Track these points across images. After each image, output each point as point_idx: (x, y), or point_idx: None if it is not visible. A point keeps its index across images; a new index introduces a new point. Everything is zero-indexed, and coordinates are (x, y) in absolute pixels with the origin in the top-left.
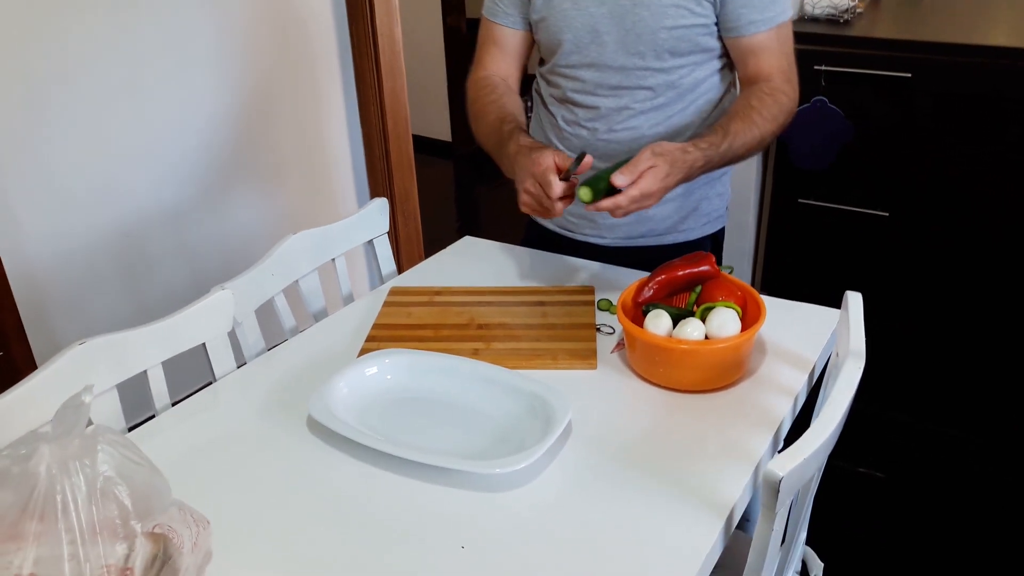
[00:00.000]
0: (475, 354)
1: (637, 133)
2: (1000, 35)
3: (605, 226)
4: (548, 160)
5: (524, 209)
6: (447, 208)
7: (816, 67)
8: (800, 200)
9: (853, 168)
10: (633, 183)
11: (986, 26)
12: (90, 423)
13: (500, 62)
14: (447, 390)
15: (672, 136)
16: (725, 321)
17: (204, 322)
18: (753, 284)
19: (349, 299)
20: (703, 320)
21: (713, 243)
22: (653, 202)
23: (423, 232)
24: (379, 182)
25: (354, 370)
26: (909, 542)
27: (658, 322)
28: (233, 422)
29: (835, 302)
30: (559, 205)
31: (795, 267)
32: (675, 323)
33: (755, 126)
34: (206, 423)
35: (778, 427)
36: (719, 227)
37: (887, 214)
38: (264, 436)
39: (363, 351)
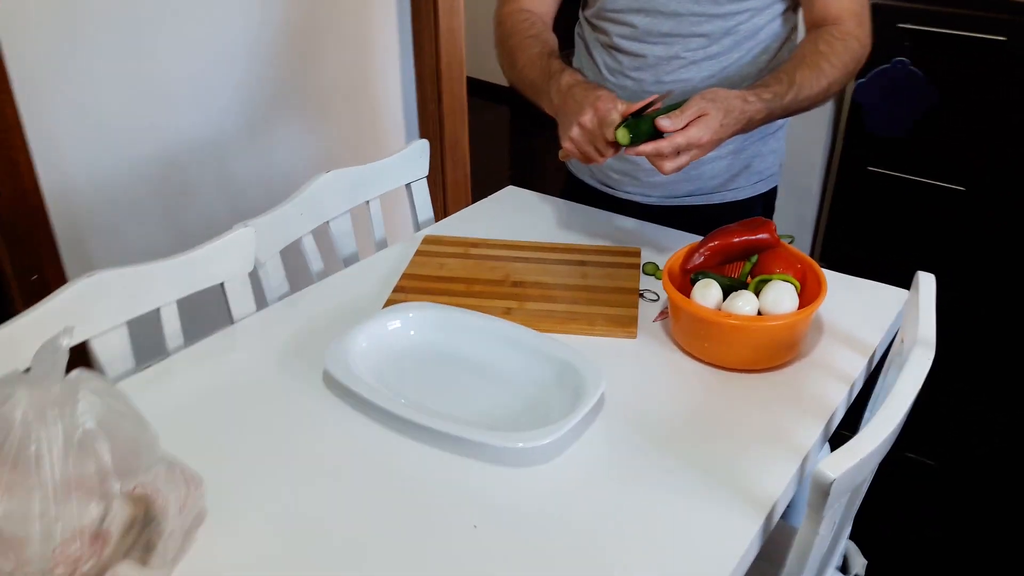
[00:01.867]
0: (507, 313)
1: (688, 85)
2: None
3: (649, 183)
4: (612, 96)
5: (567, 148)
6: (499, 156)
7: (900, 25)
8: (870, 168)
9: (932, 137)
10: (680, 130)
11: None
12: (88, 368)
13: None
14: (473, 350)
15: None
16: (781, 296)
17: (223, 260)
18: (812, 255)
19: (383, 245)
20: (757, 293)
21: (764, 202)
22: (702, 153)
23: (472, 180)
24: (429, 125)
25: (376, 323)
26: (957, 534)
27: (707, 292)
28: (246, 370)
29: (900, 281)
30: (611, 150)
31: (860, 240)
32: (726, 295)
33: (823, 75)
34: (217, 368)
35: (830, 416)
36: (772, 186)
37: (964, 189)
38: (277, 387)
39: (389, 302)
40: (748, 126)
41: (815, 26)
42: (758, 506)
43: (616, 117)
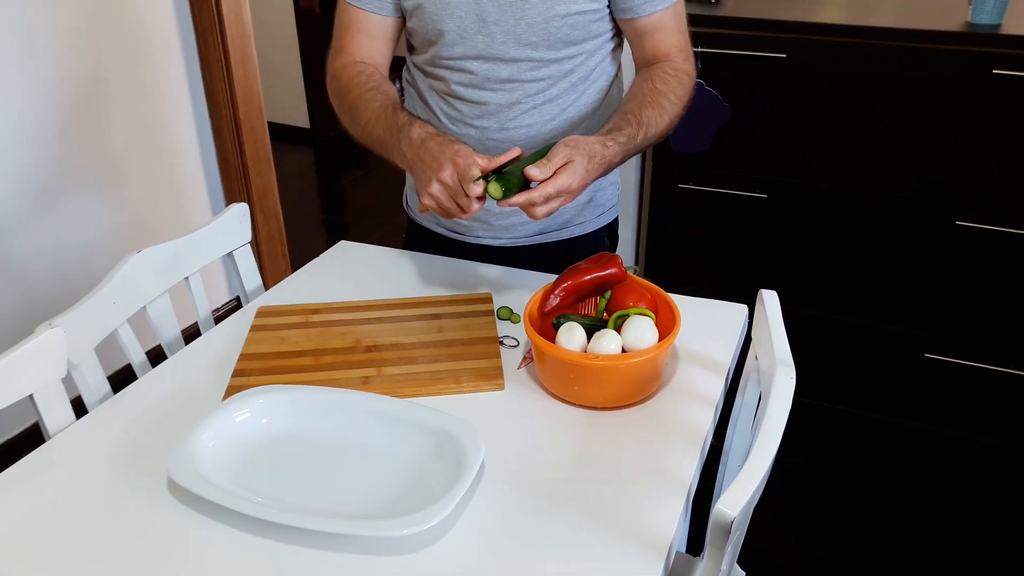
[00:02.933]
0: (366, 383)
1: (532, 131)
2: (873, 16)
3: (500, 227)
4: (469, 150)
5: (426, 204)
6: (309, 202)
7: (694, 49)
8: (680, 185)
9: (731, 151)
10: (549, 179)
11: (858, 5)
12: None
13: (367, 49)
14: (336, 431)
15: (568, 131)
16: (642, 331)
17: (30, 369)
18: (636, 263)
19: (209, 324)
20: (618, 330)
21: (609, 233)
22: (571, 199)
23: (287, 230)
24: (234, 178)
25: (221, 416)
26: (835, 535)
27: (571, 336)
28: (75, 488)
29: (727, 290)
30: (476, 205)
31: (679, 253)
32: (589, 335)
33: (665, 112)
34: (40, 491)
35: (703, 441)
36: (613, 217)
37: (765, 196)
38: (115, 504)
39: (230, 390)
40: (607, 169)
41: (646, 64)
42: (657, 546)
43: (476, 172)
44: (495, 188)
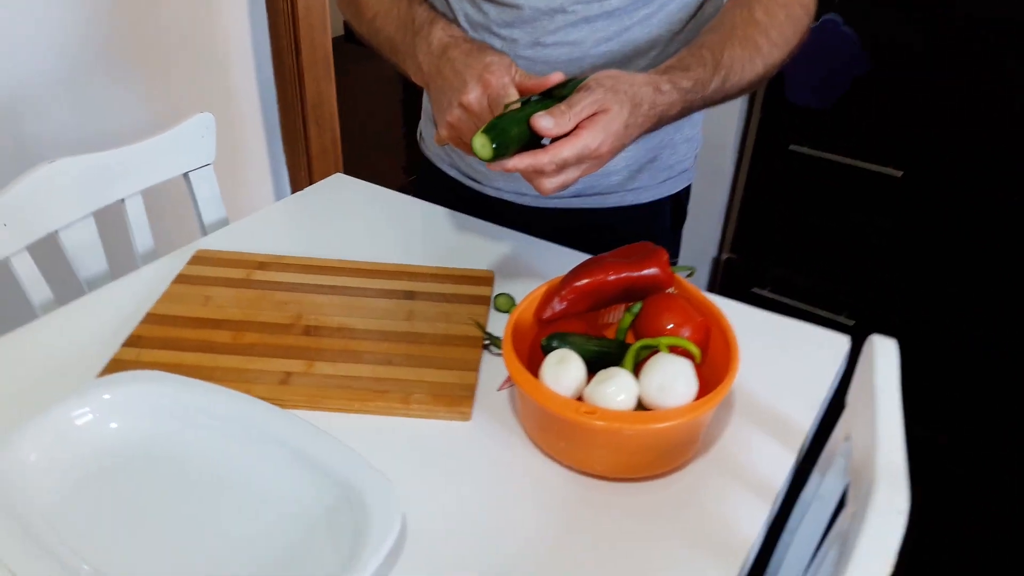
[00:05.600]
0: (285, 382)
1: (576, 51)
2: None
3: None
4: (506, 63)
5: (443, 136)
6: (388, 112)
7: None
8: (792, 147)
9: (864, 111)
10: (569, 136)
11: None
12: None
13: None
14: (209, 454)
15: (628, 59)
16: (672, 379)
17: None
18: (722, 248)
19: (152, 258)
20: (637, 370)
21: (674, 207)
22: (596, 167)
23: (351, 146)
24: (287, 81)
25: (53, 416)
26: None
27: (562, 370)
28: None
29: (822, 296)
30: None
31: (777, 231)
32: (595, 366)
33: (760, 55)
34: None
35: (748, 551)
36: (683, 185)
37: (900, 174)
38: None
39: (112, 366)
40: (657, 125)
41: None
42: None
43: (514, 93)
44: (483, 142)
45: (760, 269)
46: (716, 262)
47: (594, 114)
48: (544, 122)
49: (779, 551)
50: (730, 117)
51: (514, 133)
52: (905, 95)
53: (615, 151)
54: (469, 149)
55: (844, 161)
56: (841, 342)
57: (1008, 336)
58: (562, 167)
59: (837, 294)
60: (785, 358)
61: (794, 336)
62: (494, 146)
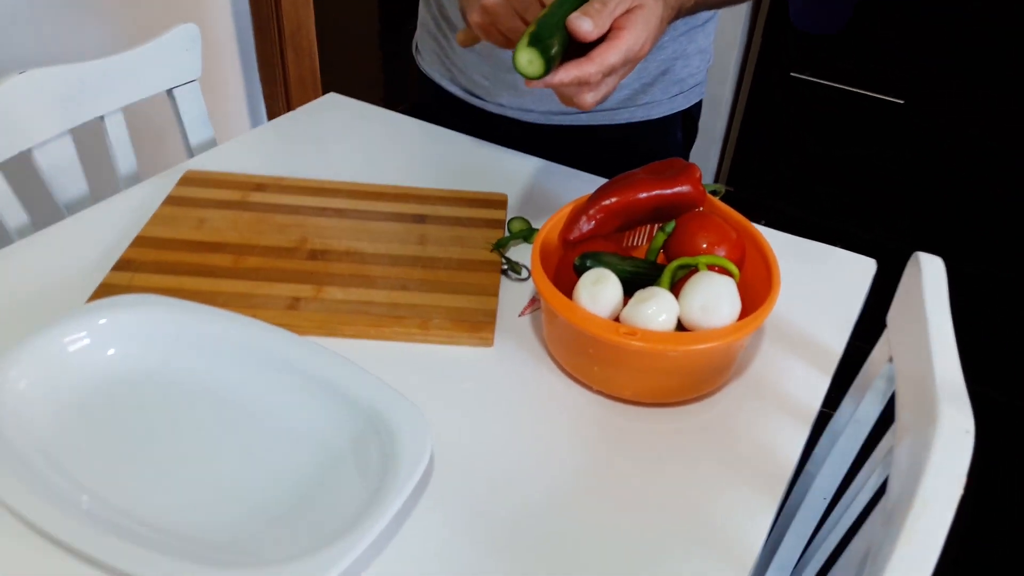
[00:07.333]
0: (293, 307)
1: None
2: None
3: (531, 92)
4: None
5: (476, 22)
6: (368, 40)
7: None
8: (793, 74)
9: (867, 38)
10: (608, 38)
11: None
12: None
13: None
14: (218, 382)
15: None
16: (716, 298)
17: None
18: (718, 179)
19: (135, 181)
20: (675, 289)
21: (686, 122)
22: (629, 71)
23: (330, 76)
24: (263, 4)
25: (44, 340)
26: None
27: (599, 290)
28: None
29: (827, 229)
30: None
31: (776, 161)
32: (629, 288)
33: None
34: None
35: (785, 479)
36: (696, 100)
37: (902, 102)
38: None
39: (101, 290)
40: (676, 17)
41: None
42: None
43: None
44: (529, 57)
45: (755, 201)
46: (714, 195)
47: (629, 10)
48: (584, 25)
49: (805, 477)
50: (730, 43)
51: (557, 41)
52: (909, 21)
53: (650, 46)
54: (502, 40)
55: (846, 88)
56: (867, 264)
57: (1013, 268)
58: (608, 73)
59: (834, 228)
60: (813, 281)
61: (819, 259)
62: (544, 60)
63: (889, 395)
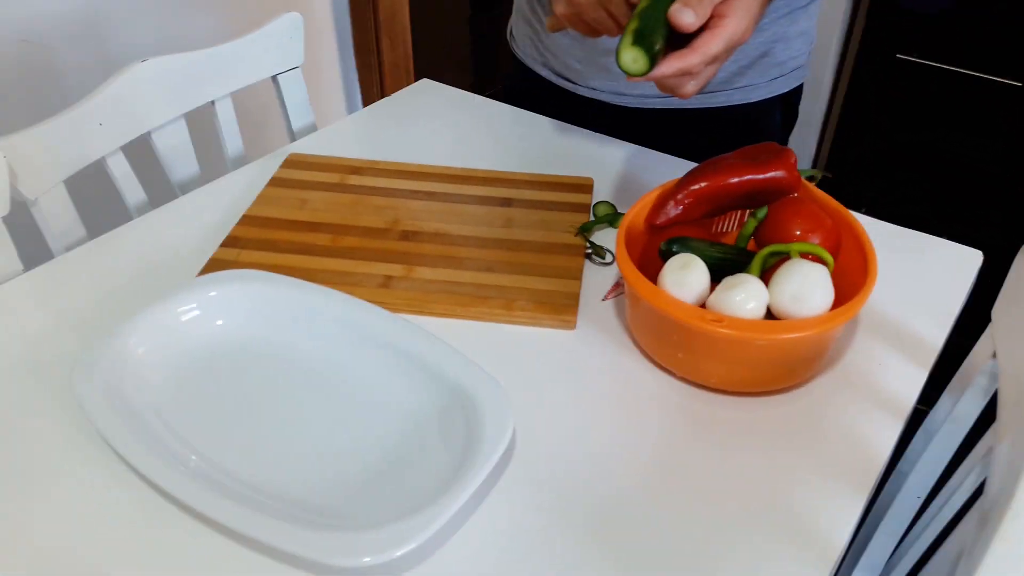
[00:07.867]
0: (385, 285)
1: None
2: None
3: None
4: None
5: (560, 12)
6: (458, 28)
7: None
8: (900, 55)
9: (979, 16)
10: (709, 27)
11: None
12: None
13: None
14: (317, 353)
15: None
16: (809, 287)
17: None
18: (815, 165)
19: (242, 163)
20: (766, 277)
21: (785, 107)
22: (728, 56)
23: (423, 61)
24: None
25: (158, 311)
26: None
27: (686, 276)
28: None
29: (941, 209)
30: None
31: (880, 149)
32: (716, 276)
33: None
34: None
35: (875, 475)
36: (796, 83)
37: (1020, 84)
38: (26, 403)
39: (211, 264)
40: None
41: None
42: None
43: None
44: (634, 56)
45: (855, 189)
46: (810, 181)
47: None
48: (686, 17)
49: (897, 476)
50: (832, 22)
51: (660, 37)
52: None
53: (751, 30)
54: (588, 30)
55: (957, 70)
56: (973, 256)
57: None
58: (711, 62)
59: (939, 218)
60: (914, 272)
61: (921, 249)
62: (649, 56)
63: (991, 393)
